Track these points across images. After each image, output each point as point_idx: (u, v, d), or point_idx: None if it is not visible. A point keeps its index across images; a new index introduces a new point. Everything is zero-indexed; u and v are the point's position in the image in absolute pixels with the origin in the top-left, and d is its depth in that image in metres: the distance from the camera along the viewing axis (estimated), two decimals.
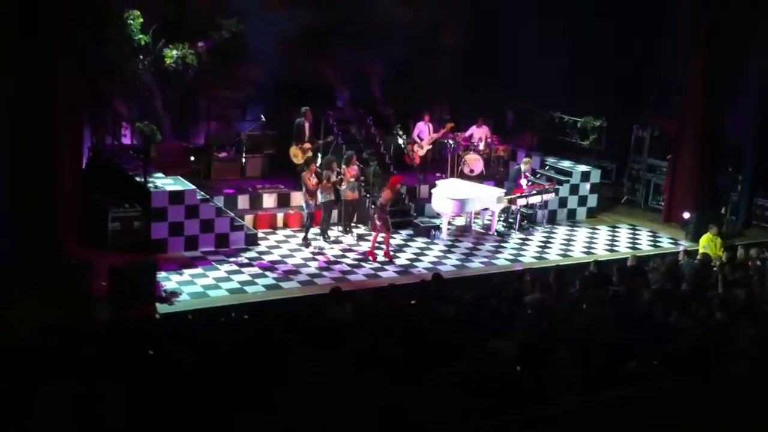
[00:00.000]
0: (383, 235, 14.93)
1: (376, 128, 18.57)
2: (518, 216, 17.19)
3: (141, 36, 15.73)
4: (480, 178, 18.59)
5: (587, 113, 19.12)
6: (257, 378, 7.53)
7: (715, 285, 12.34)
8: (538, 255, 15.86)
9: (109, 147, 16.10)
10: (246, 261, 14.32)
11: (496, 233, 16.83)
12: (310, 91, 18.41)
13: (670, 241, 17.37)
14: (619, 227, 18.22)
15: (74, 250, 12.88)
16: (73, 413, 6.71)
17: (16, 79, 12.13)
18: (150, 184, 14.46)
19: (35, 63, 12.17)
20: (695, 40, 18.13)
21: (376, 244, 15.04)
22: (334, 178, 15.33)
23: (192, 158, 17.11)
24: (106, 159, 15.97)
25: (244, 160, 17.49)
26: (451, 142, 19.03)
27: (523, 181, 17.17)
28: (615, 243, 17.00)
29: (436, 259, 15.16)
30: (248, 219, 15.74)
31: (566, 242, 16.82)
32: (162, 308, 11.96)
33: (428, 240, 16.20)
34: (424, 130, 18.66)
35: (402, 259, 15.04)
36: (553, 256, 15.88)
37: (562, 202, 18.34)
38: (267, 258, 14.57)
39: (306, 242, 15.28)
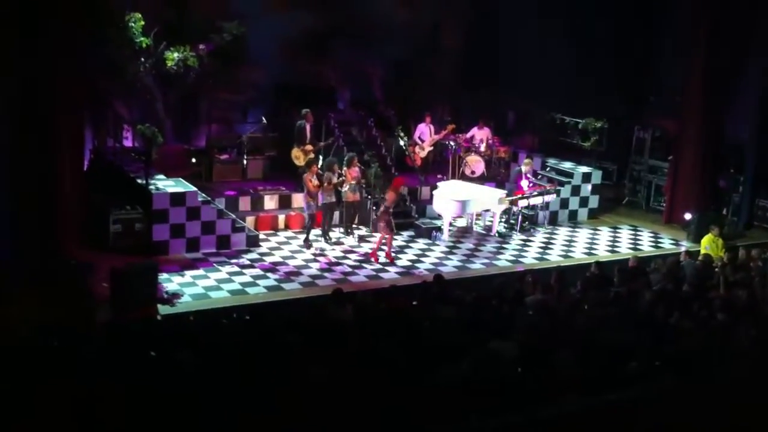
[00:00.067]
0: (386, 236, 14.93)
1: (377, 130, 18.57)
2: (519, 217, 17.20)
3: (142, 38, 15.77)
4: (481, 180, 18.58)
5: (588, 114, 19.14)
6: (258, 379, 7.53)
7: (717, 286, 12.32)
8: (539, 256, 15.86)
9: (111, 149, 16.11)
10: (247, 262, 14.33)
11: (497, 234, 16.84)
12: (311, 93, 18.43)
13: (672, 242, 17.36)
14: (620, 228, 18.21)
15: (75, 252, 12.90)
16: (73, 413, 6.72)
17: (16, 79, 12.14)
18: (151, 186, 14.47)
19: (35, 63, 12.18)
20: (695, 40, 18.13)
21: (372, 248, 15.07)
22: (335, 180, 15.34)
23: (193, 160, 17.13)
24: (108, 161, 15.99)
25: (245, 162, 17.50)
26: (452, 143, 19.03)
27: (524, 183, 17.18)
28: (616, 244, 17.00)
29: (437, 260, 15.16)
30: (249, 221, 15.75)
31: (567, 243, 16.82)
32: (163, 309, 11.96)
33: (429, 241, 16.21)
34: (425, 131, 18.67)
35: (403, 260, 15.04)
36: (555, 257, 15.87)
37: (564, 204, 18.34)
38: (268, 259, 14.58)
39: (307, 244, 15.29)
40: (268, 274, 13.85)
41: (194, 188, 14.89)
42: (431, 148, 18.77)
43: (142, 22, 15.70)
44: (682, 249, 15.89)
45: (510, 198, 16.88)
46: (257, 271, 13.95)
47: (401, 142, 18.42)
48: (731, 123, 18.42)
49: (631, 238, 17.48)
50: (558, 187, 17.93)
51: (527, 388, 7.73)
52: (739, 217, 18.52)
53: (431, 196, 17.19)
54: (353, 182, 15.71)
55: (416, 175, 18.10)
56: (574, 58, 19.98)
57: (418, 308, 10.85)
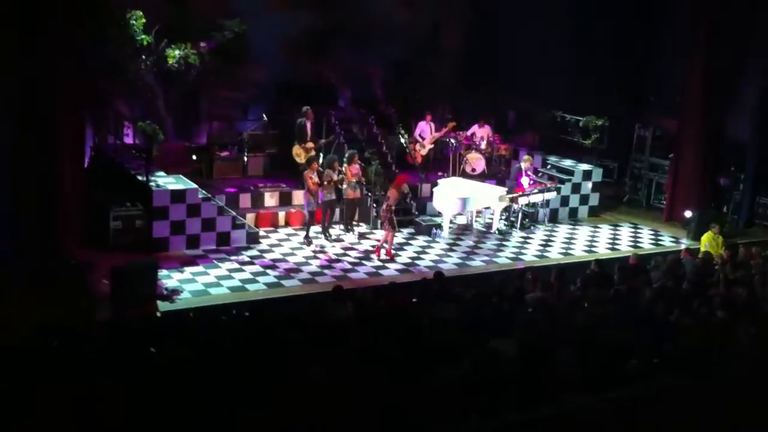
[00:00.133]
0: (386, 233, 14.95)
1: (377, 127, 18.56)
2: (520, 215, 17.20)
3: (143, 36, 15.75)
4: (482, 177, 18.58)
5: (589, 112, 19.12)
6: (258, 376, 7.54)
7: (717, 284, 12.33)
8: (539, 254, 15.86)
9: (112, 146, 16.13)
10: (247, 259, 14.34)
11: (497, 232, 16.84)
12: (312, 91, 18.43)
13: (672, 239, 17.37)
14: (620, 226, 18.21)
15: (75, 250, 12.91)
16: (74, 413, 6.72)
17: (16, 79, 12.16)
18: (152, 183, 14.48)
19: (35, 63, 12.19)
20: (695, 40, 18.12)
21: (379, 241, 15.08)
22: (335, 178, 15.34)
23: (194, 157, 17.13)
24: (108, 158, 16.00)
25: (245, 159, 17.51)
26: (452, 141, 19.04)
27: (525, 180, 17.17)
28: (616, 242, 17.00)
29: (437, 258, 15.17)
30: (250, 218, 15.77)
31: (568, 241, 16.82)
32: (163, 306, 11.98)
33: (430, 238, 16.21)
34: (425, 129, 18.67)
35: (403, 257, 15.05)
36: (555, 254, 15.87)
37: (564, 201, 18.34)
38: (268, 256, 14.59)
39: (307, 241, 15.29)
40: (268, 271, 13.86)
41: (195, 185, 14.90)
42: (432, 145, 18.76)
43: (143, 20, 15.68)
44: (682, 247, 15.88)
45: (510, 195, 16.88)
46: (257, 268, 13.96)
47: (402, 140, 18.41)
48: (732, 122, 18.42)
49: (631, 236, 17.48)
50: (558, 185, 17.93)
51: (527, 387, 7.74)
52: (740, 215, 18.53)
53: (431, 193, 17.19)
54: (354, 180, 15.72)
55: (417, 172, 18.10)
56: (575, 57, 19.98)
57: (418, 305, 10.86)
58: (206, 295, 12.63)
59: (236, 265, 14.00)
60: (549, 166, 19.16)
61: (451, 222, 16.74)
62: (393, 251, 15.03)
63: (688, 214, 17.55)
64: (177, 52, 16.10)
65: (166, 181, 14.81)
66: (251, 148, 17.56)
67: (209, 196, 15.01)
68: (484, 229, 17.15)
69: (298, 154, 16.62)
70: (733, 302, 11.10)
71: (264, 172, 17.65)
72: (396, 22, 19.36)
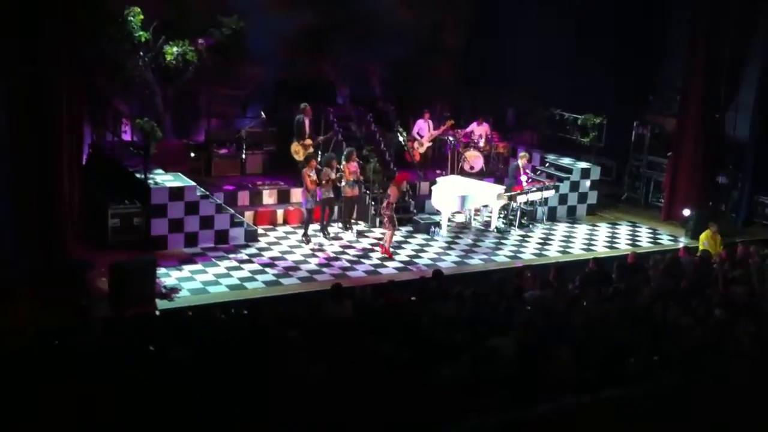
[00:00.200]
0: (388, 231, 14.96)
1: (376, 125, 18.55)
2: (518, 213, 17.19)
3: (141, 33, 15.73)
4: (480, 175, 18.57)
5: (587, 110, 19.11)
6: (256, 375, 7.53)
7: (715, 282, 12.34)
8: (537, 252, 15.86)
9: (109, 144, 16.11)
10: (245, 257, 14.32)
11: (495, 230, 16.84)
12: (311, 89, 18.41)
13: (670, 238, 17.37)
14: (619, 224, 18.21)
15: (74, 248, 12.89)
16: (74, 412, 6.72)
17: (16, 79, 12.13)
18: (150, 181, 14.46)
19: (35, 63, 12.16)
20: (694, 39, 18.12)
21: (378, 240, 15.07)
22: (333, 176, 15.32)
23: (192, 155, 17.11)
24: (106, 155, 15.98)
25: (244, 156, 17.50)
26: (451, 139, 19.02)
27: (523, 178, 17.16)
28: (615, 240, 17.01)
29: (436, 256, 15.16)
30: (248, 215, 15.75)
31: (566, 239, 16.82)
32: (162, 304, 11.96)
33: (428, 237, 16.20)
34: (423, 127, 18.65)
35: (402, 255, 15.05)
36: (553, 253, 15.87)
37: (562, 199, 18.33)
38: (267, 254, 14.58)
39: (306, 239, 15.28)
40: (267, 269, 13.85)
41: (193, 183, 14.88)
42: (430, 143, 18.75)
43: (141, 17, 15.65)
44: (681, 245, 15.89)
45: (509, 194, 16.88)
46: (255, 266, 13.95)
47: (400, 138, 18.40)
48: (731, 120, 18.42)
49: (629, 235, 17.48)
50: (557, 183, 17.93)
51: (525, 385, 7.74)
52: (738, 213, 18.53)
53: (430, 191, 17.18)
54: (352, 178, 15.71)
55: (415, 170, 18.09)
56: (573, 55, 19.99)
57: (417, 304, 10.85)
58: (205, 294, 12.63)
59: (235, 263, 13.99)
60: (547, 164, 19.15)
61: (449, 220, 16.73)
62: (391, 249, 15.02)
63: (686, 212, 17.55)
64: (175, 49, 16.08)
65: (164, 179, 14.79)
66: (249, 145, 17.54)
67: (207, 193, 14.99)
68: (482, 228, 17.15)
69: (297, 151, 16.60)
70: (732, 301, 11.10)
71: (262, 170, 17.65)
72: (396, 21, 19.36)
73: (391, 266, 14.47)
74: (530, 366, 8.17)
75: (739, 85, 17.98)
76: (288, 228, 16.13)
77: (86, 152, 15.64)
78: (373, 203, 16.56)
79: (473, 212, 17.37)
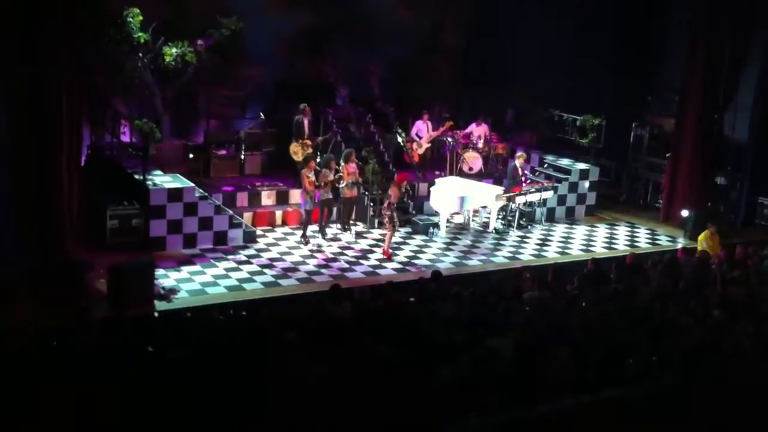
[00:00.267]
0: (387, 232, 14.96)
1: (375, 126, 18.56)
2: (517, 214, 17.20)
3: (140, 34, 15.71)
4: (479, 176, 18.57)
5: (586, 111, 19.12)
6: (255, 375, 7.53)
7: (714, 283, 12.34)
8: (536, 253, 15.86)
9: (108, 144, 16.10)
10: (244, 258, 14.32)
11: (494, 231, 16.84)
12: (310, 89, 18.39)
13: (669, 239, 17.38)
14: (617, 225, 18.22)
15: (73, 249, 12.89)
16: (73, 413, 6.71)
17: (16, 79, 12.13)
18: (149, 182, 14.46)
19: (35, 63, 12.16)
20: (693, 40, 18.12)
21: (377, 240, 15.06)
22: (331, 178, 15.31)
23: (191, 156, 17.10)
24: (105, 156, 15.97)
25: (243, 157, 17.49)
26: (450, 140, 19.03)
27: (523, 178, 17.16)
28: (613, 241, 17.01)
29: (434, 257, 15.16)
30: (247, 216, 15.75)
31: (565, 240, 16.82)
32: (160, 305, 11.96)
33: (427, 237, 16.21)
34: (422, 128, 18.65)
35: (401, 256, 15.04)
36: (552, 253, 15.88)
37: (561, 200, 18.33)
38: (265, 255, 14.58)
39: (304, 240, 15.28)
40: (265, 270, 13.85)
41: (192, 184, 14.87)
42: (429, 144, 18.75)
43: (140, 18, 15.64)
44: (679, 246, 15.89)
45: (507, 194, 16.88)
46: (254, 267, 13.94)
47: (399, 139, 18.40)
48: (729, 121, 18.43)
49: (628, 235, 17.49)
50: (555, 184, 17.93)
51: (524, 386, 7.74)
52: (737, 214, 18.54)
53: (429, 192, 17.18)
54: (351, 179, 15.70)
55: (414, 171, 18.08)
56: (573, 56, 19.99)
57: (416, 305, 10.85)
58: (203, 295, 12.62)
59: (233, 264, 13.99)
60: (546, 165, 19.16)
61: (448, 221, 16.73)
62: (390, 251, 15.02)
63: (685, 213, 17.56)
64: (174, 50, 16.07)
65: (163, 180, 14.78)
66: (248, 146, 17.54)
67: (206, 194, 14.99)
68: (481, 228, 17.15)
69: (296, 152, 16.59)
70: (730, 301, 11.11)
71: (261, 171, 17.64)
72: (395, 21, 19.36)
73: (390, 267, 14.47)
74: (529, 366, 8.17)
75: (738, 85, 17.98)
76: (287, 229, 16.12)
77: (85, 153, 15.62)
78: (371, 204, 16.56)
79: (472, 213, 17.38)
